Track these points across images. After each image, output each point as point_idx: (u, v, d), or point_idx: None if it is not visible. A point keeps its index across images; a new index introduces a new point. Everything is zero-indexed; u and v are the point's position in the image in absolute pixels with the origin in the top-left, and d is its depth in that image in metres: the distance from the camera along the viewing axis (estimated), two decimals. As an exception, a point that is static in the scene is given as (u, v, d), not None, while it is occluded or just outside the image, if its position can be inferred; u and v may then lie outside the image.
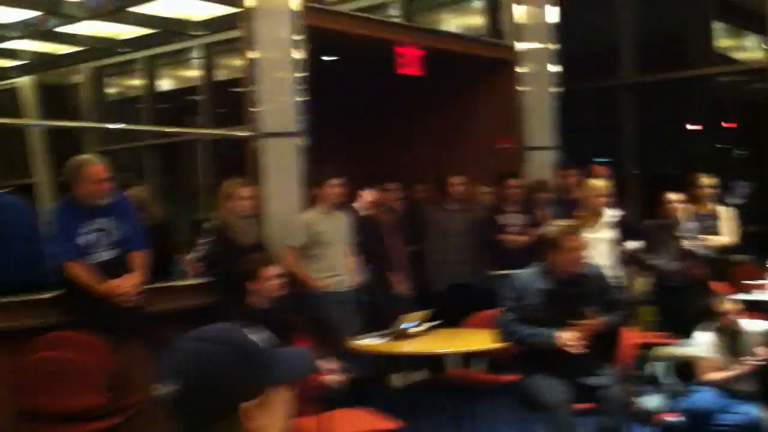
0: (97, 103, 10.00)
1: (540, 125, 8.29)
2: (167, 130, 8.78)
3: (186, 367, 1.47)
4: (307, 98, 6.29)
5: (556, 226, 4.50)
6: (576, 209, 6.16)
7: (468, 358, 5.28)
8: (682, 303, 6.62)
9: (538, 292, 4.42)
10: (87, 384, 4.19)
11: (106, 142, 9.83)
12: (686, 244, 6.57)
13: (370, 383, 5.67)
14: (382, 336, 4.92)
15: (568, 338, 4.29)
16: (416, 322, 5.04)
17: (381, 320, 6.45)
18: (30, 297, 4.79)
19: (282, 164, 6.18)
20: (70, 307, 4.65)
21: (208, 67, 9.66)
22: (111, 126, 9.69)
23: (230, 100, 8.46)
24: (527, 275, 4.52)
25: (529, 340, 4.35)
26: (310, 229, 5.89)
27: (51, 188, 9.20)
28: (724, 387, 5.56)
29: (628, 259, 6.43)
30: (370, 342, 4.84)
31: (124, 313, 4.56)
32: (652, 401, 5.75)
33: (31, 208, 5.64)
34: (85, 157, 4.90)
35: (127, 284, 4.60)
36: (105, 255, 4.72)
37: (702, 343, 5.65)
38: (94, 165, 4.68)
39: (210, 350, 1.49)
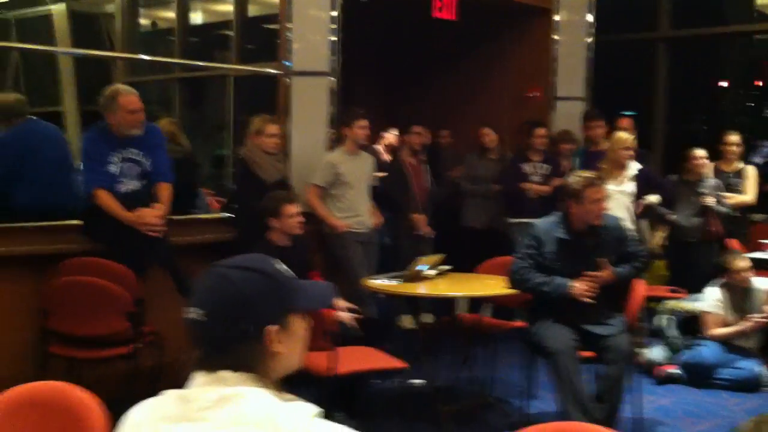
0: (129, 34, 10.03)
1: (571, 75, 8.22)
2: (198, 63, 8.79)
3: (217, 291, 1.55)
4: (340, 38, 6.31)
5: (579, 176, 4.52)
6: (601, 161, 6.17)
7: (477, 303, 5.36)
8: (696, 259, 6.67)
9: (555, 241, 4.47)
10: (110, 309, 4.32)
11: (136, 73, 9.88)
12: (707, 201, 6.58)
13: (381, 323, 5.80)
14: (396, 277, 5.01)
15: (582, 288, 4.36)
16: (430, 265, 5.11)
17: (400, 262, 6.57)
18: (58, 222, 4.91)
19: (311, 103, 6.23)
20: (97, 234, 4.77)
21: (242, 1, 9.63)
22: (141, 57, 9.72)
23: (262, 37, 8.46)
24: (546, 224, 4.55)
25: (542, 288, 4.41)
26: (333, 169, 5.97)
27: (78, 117, 9.29)
28: (728, 342, 5.65)
29: (647, 213, 6.45)
30: (383, 282, 4.93)
31: (149, 243, 4.67)
32: (656, 353, 5.85)
33: (61, 135, 5.73)
34: (119, 86, 4.95)
35: (153, 215, 4.70)
36: (133, 185, 4.81)
37: (711, 299, 5.72)
38: (128, 95, 4.74)
39: (240, 275, 1.57)
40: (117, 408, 2.07)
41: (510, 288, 4.58)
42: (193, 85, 9.85)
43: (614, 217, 4.81)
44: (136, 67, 9.82)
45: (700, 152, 6.72)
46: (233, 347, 1.54)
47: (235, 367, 1.53)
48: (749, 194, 7.03)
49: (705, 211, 6.61)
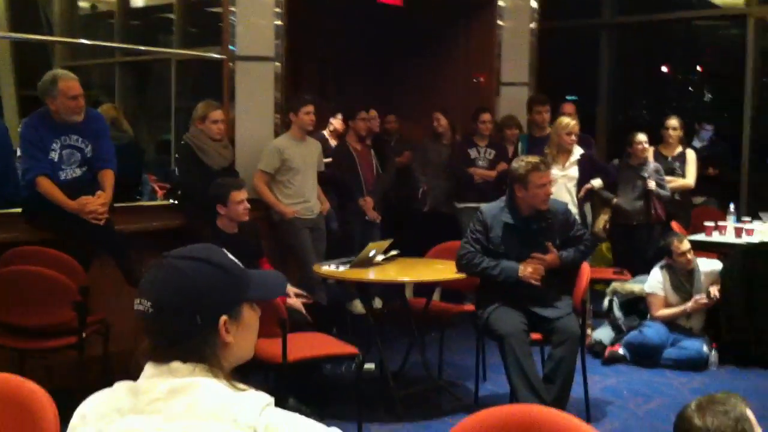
0: (68, 17, 9.80)
1: (516, 61, 8.29)
2: (139, 48, 8.64)
3: (167, 282, 1.53)
4: (286, 22, 6.24)
5: (524, 161, 4.55)
6: (545, 146, 6.22)
7: (427, 287, 5.38)
8: (638, 241, 6.80)
9: (502, 226, 4.50)
10: (55, 299, 4.22)
11: (76, 57, 9.68)
12: (650, 184, 6.69)
13: (331, 308, 5.79)
14: (346, 263, 5.00)
15: (530, 271, 4.41)
16: (379, 251, 5.11)
17: (349, 247, 6.56)
18: (0, 211, 4.80)
19: (256, 89, 6.17)
20: (40, 223, 4.68)
21: (184, -16, 9.48)
22: (81, 41, 9.51)
23: (205, 21, 8.35)
24: (493, 208, 4.58)
25: (490, 272, 4.45)
26: (280, 155, 5.91)
27: (17, 102, 9.06)
28: (673, 323, 5.77)
29: (590, 197, 6.54)
30: (333, 269, 4.92)
31: (94, 231, 4.58)
32: (602, 334, 5.94)
33: (0, 122, 5.58)
34: (59, 71, 4.82)
35: (97, 202, 4.61)
36: (74, 172, 4.71)
37: (654, 281, 5.84)
38: (68, 80, 4.62)
39: (190, 266, 1.55)
40: (65, 398, 2.04)
41: (458, 272, 4.61)
42: (135, 69, 9.68)
43: (560, 202, 4.87)
44: (76, 51, 9.61)
45: (642, 137, 6.83)
46: (184, 339, 1.52)
47: (186, 358, 1.51)
48: (689, 178, 7.19)
49: (647, 194, 6.73)
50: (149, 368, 1.52)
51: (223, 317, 1.55)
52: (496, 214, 4.54)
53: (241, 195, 4.68)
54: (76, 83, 4.65)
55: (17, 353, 4.45)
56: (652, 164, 6.84)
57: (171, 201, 5.69)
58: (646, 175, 6.73)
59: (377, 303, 6.33)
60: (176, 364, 1.50)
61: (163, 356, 1.51)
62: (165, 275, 1.54)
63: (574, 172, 6.12)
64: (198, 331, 1.53)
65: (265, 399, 1.49)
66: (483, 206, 4.69)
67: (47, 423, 2.00)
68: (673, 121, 7.29)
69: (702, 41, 10.57)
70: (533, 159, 4.60)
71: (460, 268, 4.59)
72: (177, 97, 8.89)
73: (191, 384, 1.47)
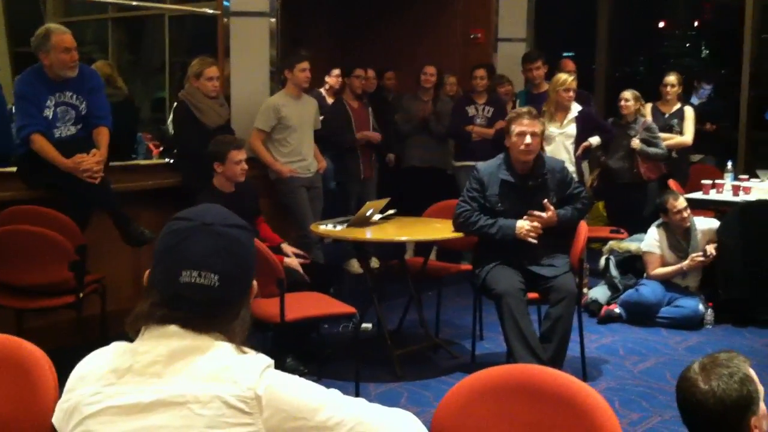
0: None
1: (513, 17, 8.22)
2: (132, 3, 8.53)
3: (233, 254, 1.50)
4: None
5: (511, 113, 4.57)
6: (544, 103, 6.18)
7: (425, 246, 5.38)
8: (631, 201, 6.79)
9: (499, 183, 4.48)
10: (52, 258, 4.21)
11: (69, 13, 9.56)
12: (633, 143, 6.66)
13: (329, 268, 5.80)
14: (343, 222, 4.99)
15: (527, 229, 4.40)
16: (377, 210, 5.10)
17: (346, 205, 6.55)
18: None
19: (251, 45, 6.10)
20: (36, 182, 4.65)
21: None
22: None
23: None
24: (490, 166, 4.56)
25: (487, 230, 4.44)
26: (277, 113, 5.86)
27: (9, 59, 8.97)
28: (669, 282, 5.79)
29: (587, 155, 6.51)
30: (331, 228, 4.91)
31: (89, 190, 4.55)
32: (598, 293, 5.96)
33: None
34: (51, 25, 4.75)
35: (92, 161, 4.57)
36: (69, 129, 4.67)
37: (653, 239, 5.83)
38: (61, 34, 4.55)
39: (244, 235, 1.54)
40: (63, 358, 2.04)
41: (456, 231, 4.60)
42: (128, 25, 9.57)
43: (557, 160, 4.86)
44: (68, 6, 9.49)
45: (626, 93, 6.79)
46: (234, 309, 1.53)
47: (218, 328, 1.50)
48: (687, 135, 7.16)
49: (633, 153, 6.70)
50: (152, 330, 1.49)
51: (254, 283, 1.57)
52: (493, 171, 4.52)
53: (240, 155, 4.64)
54: (70, 36, 4.59)
55: (14, 313, 4.47)
56: (641, 122, 6.78)
57: (167, 160, 5.65)
58: (632, 133, 6.70)
59: (374, 262, 6.33)
60: (183, 330, 1.48)
61: (196, 325, 1.48)
62: (227, 246, 1.50)
63: (572, 129, 6.08)
64: (247, 299, 1.55)
65: (266, 361, 1.49)
66: (479, 164, 4.67)
67: (45, 383, 2.00)
68: (671, 78, 7.25)
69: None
70: (518, 109, 4.61)
71: (457, 227, 4.58)
72: (171, 54, 8.81)
73: (192, 347, 1.47)
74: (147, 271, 1.56)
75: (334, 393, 1.52)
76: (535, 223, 4.42)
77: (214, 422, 1.41)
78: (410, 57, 8.27)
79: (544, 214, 4.44)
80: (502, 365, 2.12)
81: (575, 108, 6.13)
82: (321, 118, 6.29)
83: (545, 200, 4.46)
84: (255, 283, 1.58)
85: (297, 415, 1.45)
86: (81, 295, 4.33)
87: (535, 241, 4.41)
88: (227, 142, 4.72)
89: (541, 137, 4.56)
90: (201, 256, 1.48)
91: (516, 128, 4.42)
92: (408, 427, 1.55)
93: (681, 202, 5.73)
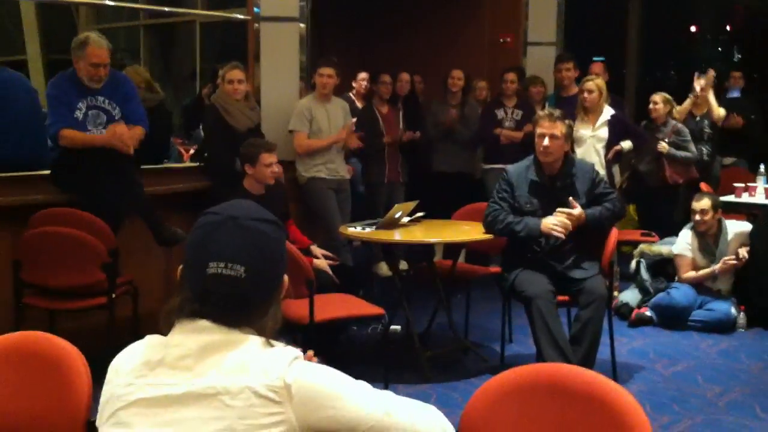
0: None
1: (543, 20, 8.19)
2: (164, 9, 8.62)
3: (257, 246, 1.51)
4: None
5: (537, 115, 4.59)
6: (574, 106, 6.16)
7: (454, 249, 5.37)
8: (662, 204, 6.73)
9: (527, 184, 4.48)
10: (84, 260, 4.26)
11: (101, 20, 9.68)
12: (660, 146, 6.60)
13: (357, 270, 5.81)
14: (372, 225, 5.00)
15: (553, 223, 4.36)
16: (405, 212, 5.10)
17: (375, 209, 6.56)
18: (30, 173, 4.81)
19: (281, 50, 6.13)
20: (69, 185, 4.69)
21: (208, -55, 9.43)
22: (106, 2, 9.50)
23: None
24: (519, 167, 4.57)
25: (513, 227, 4.41)
26: (309, 115, 5.90)
27: (43, 65, 9.10)
28: (700, 285, 5.73)
29: (618, 158, 6.48)
30: (360, 230, 4.92)
31: (123, 193, 4.59)
32: (629, 296, 5.92)
33: (30, 83, 5.58)
34: (93, 35, 4.75)
35: (128, 133, 4.59)
36: (102, 133, 4.70)
37: (684, 242, 5.78)
38: (97, 47, 4.57)
39: (272, 229, 1.54)
40: (94, 360, 2.06)
41: (486, 232, 4.59)
42: (159, 32, 9.68)
43: (588, 163, 4.84)
44: (101, 13, 9.60)
45: (656, 97, 6.74)
46: (264, 303, 1.53)
47: (249, 322, 1.51)
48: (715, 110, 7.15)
49: (660, 157, 6.65)
50: (184, 324, 1.50)
51: (285, 279, 1.58)
52: (522, 172, 4.53)
53: (272, 158, 4.67)
54: (105, 52, 4.60)
55: (47, 314, 4.52)
56: (671, 125, 6.72)
57: (198, 163, 5.69)
58: (661, 136, 6.65)
59: (403, 265, 6.33)
60: (214, 325, 1.49)
61: (227, 320, 1.49)
62: (254, 239, 1.51)
63: (603, 132, 6.05)
64: (277, 294, 1.56)
65: (295, 352, 1.50)
66: (509, 166, 4.68)
67: (79, 380, 2.02)
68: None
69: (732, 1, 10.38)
70: (540, 112, 4.61)
71: (486, 226, 4.58)
72: (202, 60, 8.89)
73: (223, 341, 1.48)
74: (179, 267, 1.57)
75: (363, 384, 1.54)
76: (562, 218, 4.38)
77: (245, 413, 1.42)
78: (438, 62, 8.27)
79: (572, 211, 4.40)
80: (530, 364, 2.11)
81: (608, 111, 6.10)
82: (354, 120, 6.28)
83: (571, 197, 4.42)
84: (286, 278, 1.58)
85: (326, 403, 1.46)
86: (113, 296, 4.38)
87: (561, 235, 4.36)
88: (259, 144, 4.76)
89: (566, 139, 4.49)
90: (227, 248, 1.49)
91: (537, 130, 4.45)
92: (434, 420, 1.57)
93: (702, 203, 5.63)
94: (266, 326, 1.54)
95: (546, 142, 4.39)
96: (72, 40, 4.68)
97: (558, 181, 4.50)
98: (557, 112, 4.52)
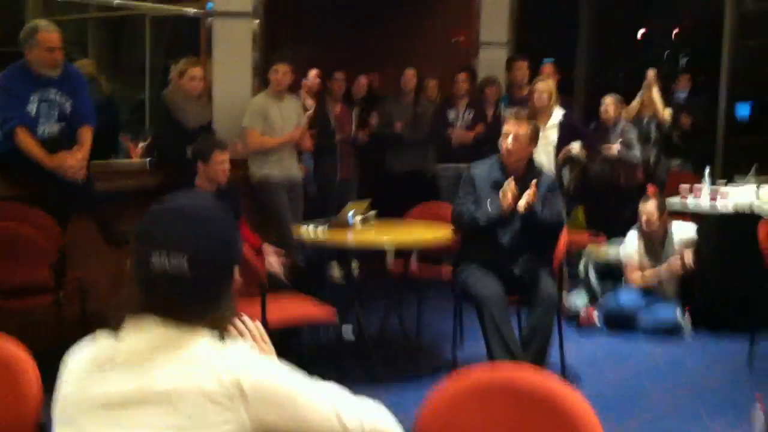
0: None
1: (495, 21, 8.24)
2: (113, 2, 8.47)
3: (204, 235, 1.47)
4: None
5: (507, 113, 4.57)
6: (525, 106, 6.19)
7: (407, 251, 5.38)
8: (609, 205, 6.80)
9: (491, 183, 4.42)
10: (31, 257, 4.19)
11: (50, 13, 9.48)
12: (611, 149, 6.65)
13: (309, 270, 5.78)
14: (325, 225, 4.98)
15: (509, 189, 4.26)
16: (358, 212, 5.09)
17: (328, 208, 6.54)
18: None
19: (234, 46, 6.08)
20: (17, 179, 4.60)
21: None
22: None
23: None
24: (483, 166, 4.52)
25: (475, 215, 4.36)
26: (264, 113, 5.86)
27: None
28: (647, 288, 5.78)
29: (568, 161, 6.53)
30: (312, 230, 4.89)
31: (71, 189, 4.52)
32: (576, 299, 5.98)
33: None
34: (41, 22, 4.71)
35: (74, 159, 4.54)
36: (51, 127, 4.64)
37: (631, 244, 5.84)
38: (49, 32, 4.53)
39: (217, 215, 1.51)
40: (42, 358, 2.02)
41: (454, 228, 4.55)
42: (108, 26, 9.52)
43: (550, 175, 4.77)
44: (49, 6, 9.40)
45: (607, 99, 6.79)
46: (215, 294, 1.50)
47: (197, 314, 1.48)
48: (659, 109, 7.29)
49: (611, 159, 6.71)
50: (133, 321, 1.48)
51: (236, 273, 1.54)
52: (485, 170, 4.49)
53: (224, 156, 4.64)
54: (57, 36, 4.56)
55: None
56: (620, 126, 6.78)
57: (147, 160, 5.62)
58: (612, 138, 6.70)
59: (355, 265, 6.32)
60: (162, 321, 1.46)
61: (175, 314, 1.46)
62: (198, 226, 1.47)
63: (553, 134, 6.09)
64: (227, 285, 1.52)
65: (246, 349, 1.51)
66: (472, 164, 4.61)
67: (29, 382, 1.99)
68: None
69: (680, 3, 10.57)
70: (512, 109, 4.60)
71: (455, 225, 4.54)
72: (152, 56, 8.76)
73: (171, 338, 1.46)
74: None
75: (316, 382, 1.55)
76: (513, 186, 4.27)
77: (196, 412, 1.41)
78: (393, 61, 8.27)
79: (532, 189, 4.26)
80: (484, 364, 2.12)
81: (558, 113, 6.14)
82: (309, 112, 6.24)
83: (534, 180, 4.31)
84: (237, 273, 1.55)
85: (277, 401, 1.46)
86: (61, 294, 4.30)
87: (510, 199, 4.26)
88: (212, 142, 4.72)
89: (531, 141, 4.43)
90: (169, 236, 1.45)
91: (503, 129, 4.42)
92: (380, 415, 1.61)
93: (648, 206, 5.68)
94: (216, 320, 1.52)
95: (509, 141, 4.37)
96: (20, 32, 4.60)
97: (522, 182, 4.39)
98: (524, 112, 4.52)
